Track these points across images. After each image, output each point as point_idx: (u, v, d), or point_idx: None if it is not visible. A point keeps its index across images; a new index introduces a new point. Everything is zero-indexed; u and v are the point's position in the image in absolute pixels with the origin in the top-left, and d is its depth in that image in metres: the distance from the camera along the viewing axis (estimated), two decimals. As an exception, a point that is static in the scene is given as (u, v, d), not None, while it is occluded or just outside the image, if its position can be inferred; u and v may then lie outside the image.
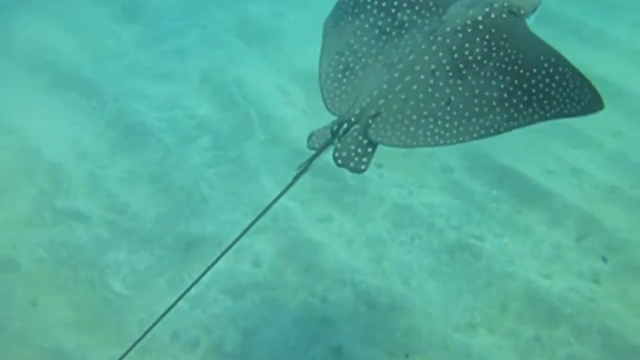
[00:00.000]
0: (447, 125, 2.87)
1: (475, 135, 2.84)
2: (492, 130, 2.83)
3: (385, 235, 5.18)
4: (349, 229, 5.26)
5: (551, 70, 2.87)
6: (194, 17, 7.45)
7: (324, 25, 3.31)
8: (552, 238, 5.14)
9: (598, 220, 5.20)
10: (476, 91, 2.90)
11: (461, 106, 2.89)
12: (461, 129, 2.86)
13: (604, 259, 4.96)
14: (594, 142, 5.92)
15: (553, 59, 2.90)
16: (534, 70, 2.88)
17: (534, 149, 5.86)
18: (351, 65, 3.17)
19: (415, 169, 5.73)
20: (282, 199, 5.33)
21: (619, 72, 6.52)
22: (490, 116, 2.85)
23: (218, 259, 2.92)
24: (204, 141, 5.97)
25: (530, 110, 2.82)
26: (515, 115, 2.83)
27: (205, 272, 2.93)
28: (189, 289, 2.94)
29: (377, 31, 3.21)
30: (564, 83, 2.85)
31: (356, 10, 3.28)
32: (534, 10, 3.14)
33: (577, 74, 2.86)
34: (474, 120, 2.86)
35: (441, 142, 2.88)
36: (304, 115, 6.24)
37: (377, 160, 5.45)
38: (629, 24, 7.39)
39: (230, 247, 2.91)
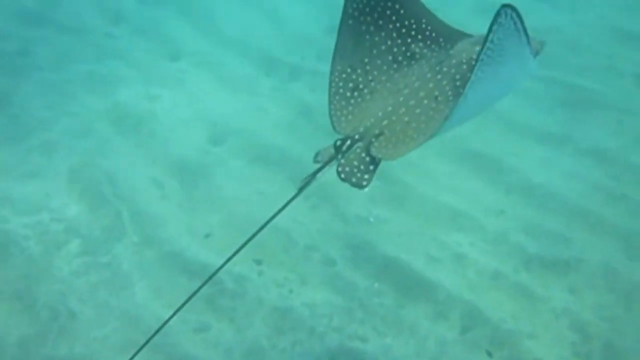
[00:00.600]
0: (445, 132, 3.12)
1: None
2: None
3: (265, 343, 4.94)
4: (228, 337, 4.99)
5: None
6: (64, 104, 7.06)
7: (343, 12, 3.39)
8: (436, 333, 5.01)
9: (482, 310, 5.10)
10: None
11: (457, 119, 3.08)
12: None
13: (489, 354, 4.85)
14: (476, 223, 5.83)
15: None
16: None
17: (417, 234, 5.75)
18: (360, 86, 3.37)
19: (297, 263, 5.52)
20: (158, 309, 5.06)
21: (496, 145, 6.50)
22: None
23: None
24: (72, 246, 5.59)
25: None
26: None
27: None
28: None
29: (390, 57, 3.41)
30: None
31: (380, 22, 3.43)
32: (537, 54, 3.30)
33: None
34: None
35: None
36: (179, 209, 5.96)
37: (257, 256, 5.31)
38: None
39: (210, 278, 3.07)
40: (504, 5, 2.64)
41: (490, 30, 2.70)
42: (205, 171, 6.31)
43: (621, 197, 6.00)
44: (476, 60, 2.79)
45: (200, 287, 3.05)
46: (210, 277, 3.11)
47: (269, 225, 3.11)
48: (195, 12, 8.54)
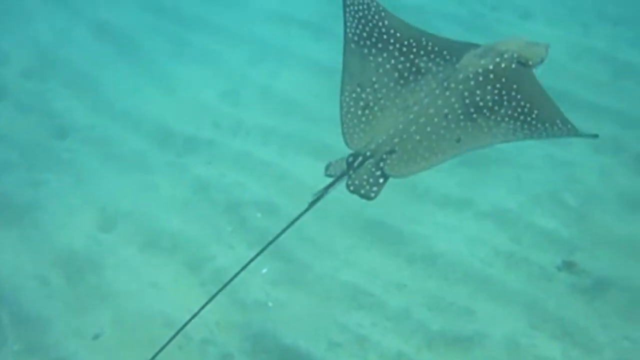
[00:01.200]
0: (454, 154, 3.28)
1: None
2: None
3: None
4: None
5: (557, 130, 3.26)
6: (-62, 196, 6.62)
7: (345, 38, 3.60)
8: None
9: (384, 402, 4.92)
10: (485, 130, 3.26)
11: (470, 142, 3.25)
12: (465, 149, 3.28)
13: None
14: (377, 299, 5.68)
15: (561, 120, 3.28)
16: (546, 125, 3.25)
17: (317, 317, 5.56)
18: (371, 104, 3.48)
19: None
20: None
21: (396, 212, 6.37)
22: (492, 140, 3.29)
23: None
24: (-57, 362, 5.19)
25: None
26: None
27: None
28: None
29: (396, 74, 3.54)
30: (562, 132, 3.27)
31: (379, 45, 3.61)
32: (541, 61, 3.48)
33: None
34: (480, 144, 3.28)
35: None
36: (66, 308, 5.62)
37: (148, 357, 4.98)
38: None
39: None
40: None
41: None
42: (94, 263, 5.97)
43: (523, 261, 5.94)
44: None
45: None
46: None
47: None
48: (82, 84, 8.09)
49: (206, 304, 3.29)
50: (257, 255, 3.24)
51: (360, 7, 3.69)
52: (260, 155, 7.05)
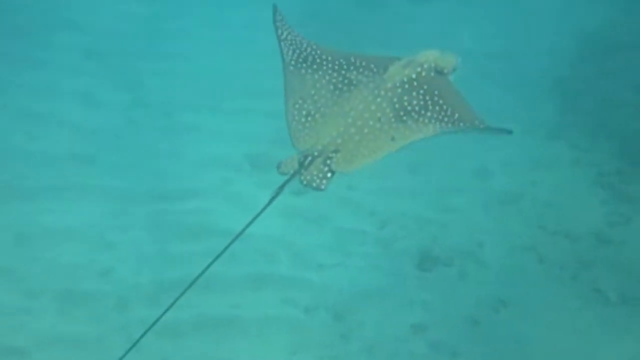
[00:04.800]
0: (392, 151, 3.79)
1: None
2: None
3: None
4: None
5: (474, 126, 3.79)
6: None
7: (283, 63, 4.12)
8: None
9: None
10: (415, 130, 3.80)
11: (403, 140, 3.78)
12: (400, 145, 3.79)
13: None
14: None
15: (477, 122, 3.80)
16: (466, 123, 3.79)
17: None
18: (312, 112, 3.97)
19: None
20: None
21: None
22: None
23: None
24: None
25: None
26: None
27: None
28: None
29: (332, 87, 4.03)
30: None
31: (314, 66, 4.10)
32: (454, 70, 4.04)
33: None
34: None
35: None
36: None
37: None
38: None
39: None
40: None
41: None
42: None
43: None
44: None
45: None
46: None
47: None
48: None
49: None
50: (219, 255, 3.76)
51: (293, 40, 4.23)
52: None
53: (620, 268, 6.61)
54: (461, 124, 3.81)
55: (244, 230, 3.74)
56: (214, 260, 3.77)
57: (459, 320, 6.24)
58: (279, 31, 4.25)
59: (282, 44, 4.20)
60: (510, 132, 3.77)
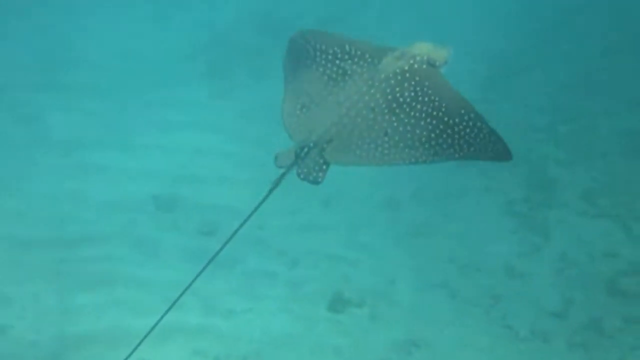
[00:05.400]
0: (385, 152, 3.76)
1: (407, 161, 3.76)
2: (420, 160, 3.76)
3: None
4: None
5: (471, 123, 3.78)
6: None
7: (283, 64, 4.20)
8: None
9: None
10: (408, 127, 3.77)
11: (396, 138, 3.76)
12: (397, 155, 3.75)
13: None
14: None
15: (472, 114, 3.79)
16: (457, 120, 3.77)
17: None
18: (307, 104, 4.02)
19: None
20: None
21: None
22: (420, 149, 3.75)
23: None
24: None
25: (452, 150, 3.77)
26: (439, 151, 3.76)
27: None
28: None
29: (325, 78, 4.06)
30: (481, 135, 3.78)
31: (308, 61, 4.15)
32: (445, 62, 4.01)
33: (491, 131, 3.79)
34: (406, 150, 3.75)
35: (381, 162, 3.79)
36: None
37: None
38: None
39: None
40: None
41: None
42: None
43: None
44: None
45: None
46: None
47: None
48: None
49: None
50: (222, 247, 3.89)
51: (298, 47, 4.26)
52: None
53: (529, 301, 6.63)
54: (449, 118, 3.79)
55: (245, 222, 3.75)
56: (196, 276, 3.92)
57: (371, 365, 6.14)
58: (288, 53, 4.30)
59: (287, 54, 4.28)
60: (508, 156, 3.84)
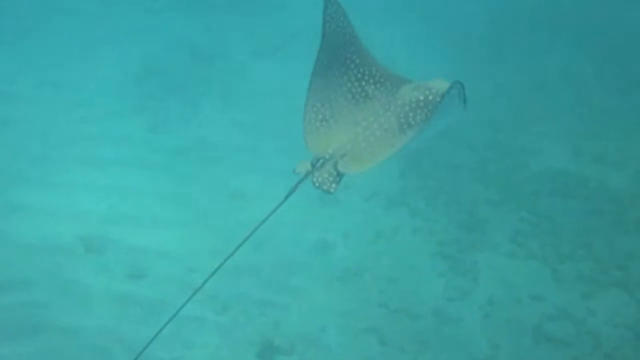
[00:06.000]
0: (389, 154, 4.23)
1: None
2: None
3: None
4: None
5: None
6: None
7: (316, 61, 4.38)
8: None
9: None
10: (410, 137, 4.20)
11: (401, 145, 4.20)
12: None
13: None
14: None
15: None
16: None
17: None
18: (327, 118, 4.42)
19: None
20: None
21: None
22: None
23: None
24: None
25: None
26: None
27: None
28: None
29: (350, 96, 4.48)
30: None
31: (342, 69, 4.49)
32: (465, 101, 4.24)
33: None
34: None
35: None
36: None
37: None
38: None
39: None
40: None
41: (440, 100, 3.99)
42: None
43: None
44: (414, 106, 4.25)
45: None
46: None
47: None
48: None
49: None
50: (238, 247, 4.07)
51: (337, 33, 4.49)
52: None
53: (457, 347, 6.69)
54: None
55: (262, 223, 4.09)
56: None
57: (299, 417, 6.11)
58: (327, 25, 4.45)
59: (325, 38, 4.44)
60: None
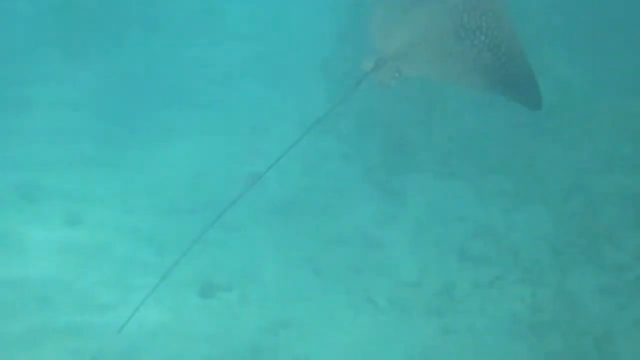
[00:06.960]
0: (447, 71, 4.57)
1: (461, 84, 4.71)
2: (473, 87, 4.63)
3: None
4: None
5: (520, 68, 4.43)
6: None
7: None
8: None
9: None
10: (468, 55, 4.45)
11: (458, 61, 4.47)
12: (456, 76, 4.59)
13: None
14: None
15: (523, 59, 4.45)
16: (509, 60, 4.44)
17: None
18: (390, 19, 4.69)
19: None
20: None
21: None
22: (474, 77, 4.51)
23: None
24: None
25: (499, 86, 4.50)
26: (488, 84, 4.51)
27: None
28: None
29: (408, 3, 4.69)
30: (524, 79, 4.44)
31: None
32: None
33: (533, 79, 4.46)
34: (464, 75, 4.53)
35: (442, 79, 4.85)
36: None
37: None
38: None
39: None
40: None
41: None
42: None
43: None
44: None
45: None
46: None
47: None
48: None
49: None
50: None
51: None
52: None
53: (388, 271, 7.03)
54: (504, 58, 4.42)
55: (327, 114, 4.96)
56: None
57: (242, 350, 6.42)
58: None
59: None
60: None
